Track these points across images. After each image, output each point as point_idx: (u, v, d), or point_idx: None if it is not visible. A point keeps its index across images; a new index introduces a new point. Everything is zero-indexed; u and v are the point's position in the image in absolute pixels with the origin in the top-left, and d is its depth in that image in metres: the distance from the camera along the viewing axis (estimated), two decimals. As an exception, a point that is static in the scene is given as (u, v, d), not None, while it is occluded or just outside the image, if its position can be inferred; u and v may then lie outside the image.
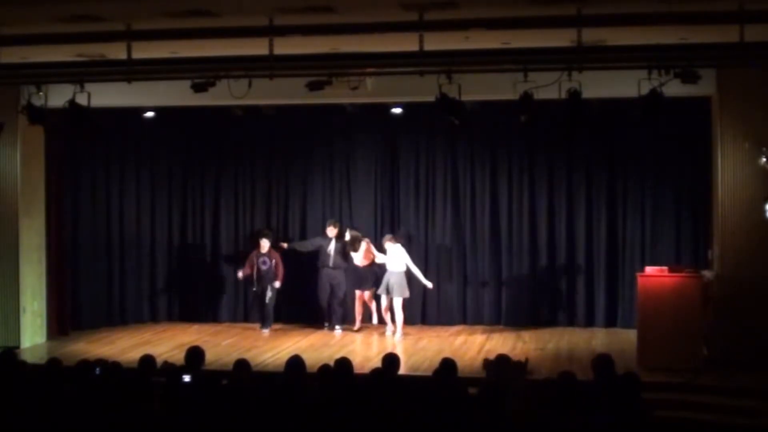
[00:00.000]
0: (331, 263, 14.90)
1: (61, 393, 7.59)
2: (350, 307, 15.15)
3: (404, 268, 14.36)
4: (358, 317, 14.98)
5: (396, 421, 6.96)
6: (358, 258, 14.76)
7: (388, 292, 14.36)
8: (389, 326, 14.55)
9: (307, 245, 15.21)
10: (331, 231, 14.95)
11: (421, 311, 15.40)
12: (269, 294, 14.91)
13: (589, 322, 14.84)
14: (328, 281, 14.99)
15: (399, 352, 12.39)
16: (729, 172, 12.20)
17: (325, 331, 14.78)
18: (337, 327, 14.91)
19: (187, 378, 7.92)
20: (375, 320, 15.06)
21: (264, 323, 14.99)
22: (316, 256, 15.05)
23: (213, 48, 11.05)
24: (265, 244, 14.97)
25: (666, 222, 14.56)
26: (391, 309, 14.45)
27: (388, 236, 14.65)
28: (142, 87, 11.99)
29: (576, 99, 10.23)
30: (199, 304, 16.03)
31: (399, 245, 14.45)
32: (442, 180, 15.46)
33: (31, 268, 13.95)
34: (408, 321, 15.10)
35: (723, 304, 12.05)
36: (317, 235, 15.29)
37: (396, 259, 14.36)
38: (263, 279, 14.89)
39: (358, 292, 14.98)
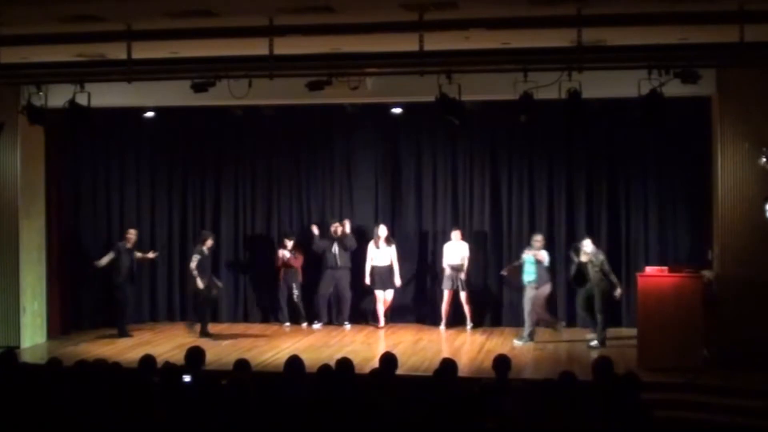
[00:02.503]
0: (336, 264, 14.94)
1: (61, 393, 7.58)
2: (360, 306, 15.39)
3: (466, 262, 14.59)
4: (381, 315, 15.08)
5: (396, 421, 6.96)
6: (383, 257, 14.83)
7: (452, 286, 14.54)
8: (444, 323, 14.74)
9: (318, 247, 15.25)
10: (336, 231, 15.01)
11: (422, 311, 15.40)
12: (296, 292, 15.19)
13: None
14: (332, 283, 15.05)
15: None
16: (729, 172, 12.20)
17: (324, 331, 14.80)
18: (346, 323, 15.09)
19: (187, 378, 7.92)
20: (382, 322, 15.15)
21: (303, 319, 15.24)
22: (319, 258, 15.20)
23: (213, 48, 11.06)
24: (289, 243, 15.15)
25: (666, 222, 14.56)
26: (457, 302, 14.68)
27: (456, 229, 14.77)
28: (142, 87, 11.99)
29: (576, 99, 10.23)
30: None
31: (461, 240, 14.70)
32: (443, 180, 15.46)
33: (31, 268, 13.95)
34: (408, 321, 15.14)
35: (723, 304, 12.05)
36: (316, 235, 15.29)
37: (459, 253, 14.51)
38: (291, 276, 15.10)
39: (380, 293, 15.03)
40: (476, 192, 15.37)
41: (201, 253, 14.41)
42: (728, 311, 11.99)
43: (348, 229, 15.07)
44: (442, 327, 14.73)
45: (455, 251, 14.59)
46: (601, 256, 13.29)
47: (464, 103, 10.77)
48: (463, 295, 14.57)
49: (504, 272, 14.56)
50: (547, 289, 13.88)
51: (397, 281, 15.01)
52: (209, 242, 14.58)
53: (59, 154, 14.54)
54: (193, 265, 14.37)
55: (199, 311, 14.66)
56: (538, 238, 13.90)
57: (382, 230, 14.96)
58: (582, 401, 7.06)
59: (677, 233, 14.50)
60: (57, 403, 7.38)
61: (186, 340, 13.73)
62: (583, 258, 13.29)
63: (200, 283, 14.29)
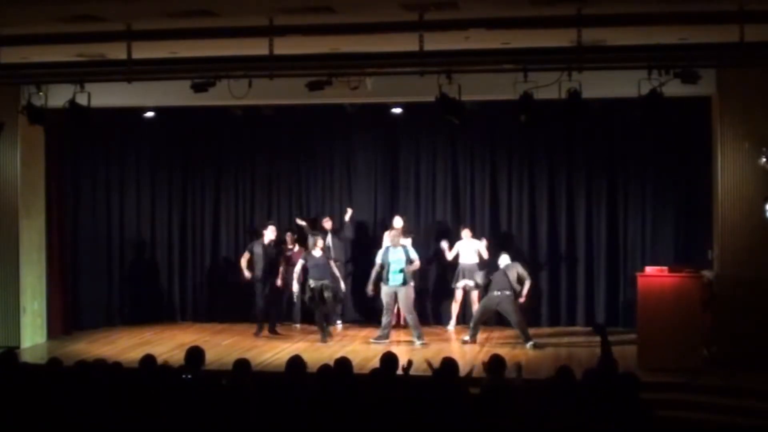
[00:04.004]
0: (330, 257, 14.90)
1: (61, 393, 7.58)
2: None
3: (478, 260, 14.38)
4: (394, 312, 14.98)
5: (396, 421, 6.96)
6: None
7: (465, 285, 14.38)
8: (453, 322, 14.55)
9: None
10: (327, 223, 14.93)
11: (421, 311, 15.38)
12: (296, 292, 14.89)
13: (589, 322, 14.82)
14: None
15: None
16: (729, 172, 12.20)
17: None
18: (338, 322, 15.00)
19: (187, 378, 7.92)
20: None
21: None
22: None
23: (213, 48, 11.06)
24: (289, 238, 15.01)
25: (666, 222, 14.57)
26: (466, 301, 14.46)
27: (465, 227, 14.62)
28: (142, 87, 12.00)
29: (576, 99, 10.23)
30: (199, 304, 16.03)
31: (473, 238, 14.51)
32: (442, 180, 15.47)
33: (31, 268, 13.95)
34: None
35: (723, 304, 12.05)
36: (305, 226, 15.22)
37: (472, 251, 14.36)
38: (292, 275, 14.68)
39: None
40: (476, 192, 15.36)
41: (305, 258, 14.14)
42: (728, 311, 11.99)
43: (348, 218, 15.00)
44: (452, 326, 14.63)
45: (468, 250, 14.48)
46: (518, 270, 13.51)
47: (464, 103, 10.76)
48: (474, 294, 14.46)
49: (371, 292, 14.17)
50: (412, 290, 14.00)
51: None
52: (320, 243, 14.17)
53: (59, 154, 14.54)
54: (296, 268, 14.25)
55: (315, 315, 14.32)
56: (393, 234, 13.92)
57: (397, 222, 14.61)
58: (582, 401, 7.06)
59: (677, 233, 14.50)
60: (57, 403, 7.38)
61: (186, 339, 13.73)
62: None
63: (294, 287, 14.33)
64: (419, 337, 13.60)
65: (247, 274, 14.41)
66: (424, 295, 15.37)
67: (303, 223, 15.18)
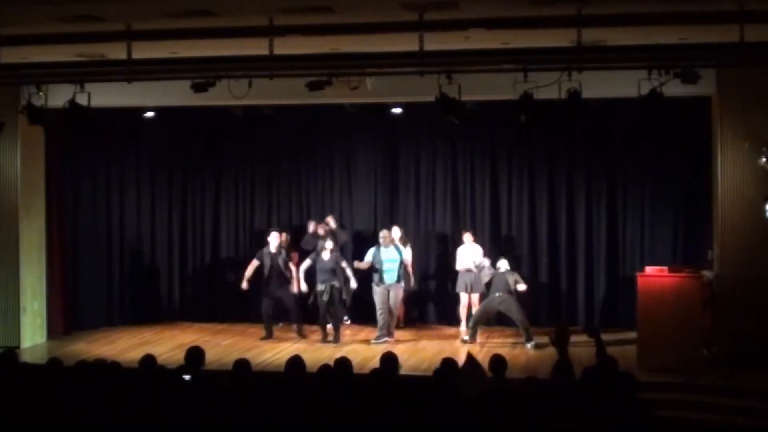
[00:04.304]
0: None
1: (61, 393, 7.58)
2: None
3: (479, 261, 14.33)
4: (401, 316, 14.94)
5: (396, 421, 6.96)
6: (408, 254, 14.57)
7: (466, 289, 14.30)
8: (464, 324, 14.44)
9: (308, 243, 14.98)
10: (322, 229, 14.87)
11: (421, 311, 15.40)
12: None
13: (589, 322, 14.81)
14: None
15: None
16: (729, 172, 12.21)
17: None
18: (345, 317, 14.89)
19: (187, 378, 7.92)
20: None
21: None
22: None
23: (213, 48, 11.06)
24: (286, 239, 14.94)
25: (666, 222, 14.56)
26: (468, 307, 14.39)
27: (466, 231, 14.53)
28: (142, 87, 12.00)
29: (576, 99, 10.23)
30: (199, 304, 16.03)
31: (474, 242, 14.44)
32: (442, 180, 15.46)
33: (31, 268, 13.95)
34: (407, 321, 15.12)
35: (723, 304, 12.05)
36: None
37: (473, 255, 14.31)
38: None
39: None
40: (476, 192, 15.36)
41: (313, 258, 14.01)
42: (728, 311, 11.99)
43: (333, 225, 14.82)
44: (463, 328, 14.54)
45: (468, 254, 14.35)
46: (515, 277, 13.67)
47: (464, 103, 10.76)
48: (475, 297, 14.36)
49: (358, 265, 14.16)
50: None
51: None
52: (329, 245, 13.89)
53: (59, 154, 14.55)
54: (302, 266, 14.14)
55: (319, 316, 14.12)
56: (384, 234, 13.94)
57: (395, 232, 14.39)
58: (581, 400, 7.06)
59: (677, 233, 14.49)
60: (57, 403, 7.38)
61: (186, 339, 13.73)
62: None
63: (294, 288, 14.19)
64: (378, 338, 13.76)
65: (244, 285, 14.28)
66: (427, 297, 15.39)
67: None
